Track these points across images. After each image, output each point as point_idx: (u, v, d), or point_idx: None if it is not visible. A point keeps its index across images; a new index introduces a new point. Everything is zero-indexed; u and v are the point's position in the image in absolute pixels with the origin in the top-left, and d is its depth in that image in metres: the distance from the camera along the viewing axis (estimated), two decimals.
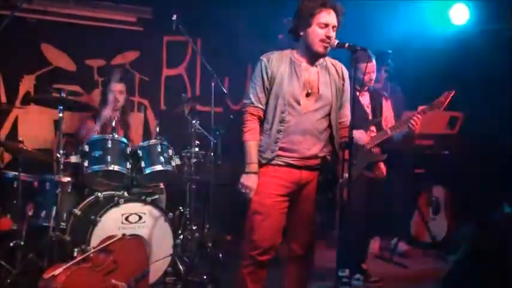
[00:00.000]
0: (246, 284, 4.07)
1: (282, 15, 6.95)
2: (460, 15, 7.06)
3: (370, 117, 5.40)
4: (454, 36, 7.16)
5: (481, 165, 7.11)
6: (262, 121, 4.09)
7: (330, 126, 4.08)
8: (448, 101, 5.25)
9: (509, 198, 6.21)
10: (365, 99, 5.42)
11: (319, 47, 3.97)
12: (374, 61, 5.33)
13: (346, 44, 4.10)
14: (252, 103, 4.07)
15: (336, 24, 3.98)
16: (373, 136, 5.33)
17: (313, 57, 4.06)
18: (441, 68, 6.89)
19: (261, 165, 4.02)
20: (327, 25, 3.94)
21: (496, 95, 6.89)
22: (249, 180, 3.98)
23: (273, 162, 4.01)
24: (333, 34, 3.96)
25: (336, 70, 4.16)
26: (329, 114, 4.07)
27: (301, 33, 4.04)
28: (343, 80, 4.17)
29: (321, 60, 4.10)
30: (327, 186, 4.07)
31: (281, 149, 3.99)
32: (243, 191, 4.01)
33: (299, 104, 3.99)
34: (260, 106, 4.06)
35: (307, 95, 4.03)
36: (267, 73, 4.03)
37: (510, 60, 6.81)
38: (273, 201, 3.99)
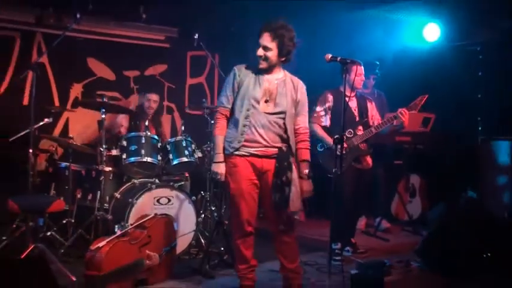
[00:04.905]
0: (241, 250, 4.15)
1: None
2: (433, 33, 7.04)
3: (357, 119, 5.40)
4: (428, 50, 7.14)
5: (449, 158, 7.10)
6: (229, 118, 4.16)
7: (285, 126, 4.12)
8: (422, 103, 5.29)
9: (472, 185, 6.24)
10: (353, 103, 5.40)
11: (259, 62, 4.11)
12: (362, 66, 5.32)
13: (338, 58, 4.15)
14: (222, 104, 4.16)
15: (269, 45, 4.04)
16: (360, 134, 5.33)
17: (261, 70, 4.14)
18: (417, 76, 6.88)
19: (230, 155, 4.07)
20: (258, 45, 4.07)
21: (462, 100, 6.87)
22: (219, 168, 4.08)
23: (239, 153, 4.05)
24: (262, 53, 4.06)
25: (293, 85, 4.22)
26: (284, 118, 4.12)
27: None
28: (298, 93, 4.21)
29: (282, 75, 4.18)
30: (282, 171, 4.06)
31: (246, 140, 4.04)
32: (215, 177, 4.12)
33: (259, 105, 4.06)
34: (228, 106, 4.14)
35: (266, 101, 4.09)
36: (235, 79, 4.12)
37: (474, 71, 6.81)
38: (246, 185, 4.06)
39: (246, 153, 4.05)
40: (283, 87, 4.14)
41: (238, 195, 4.06)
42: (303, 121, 4.24)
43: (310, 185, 4.16)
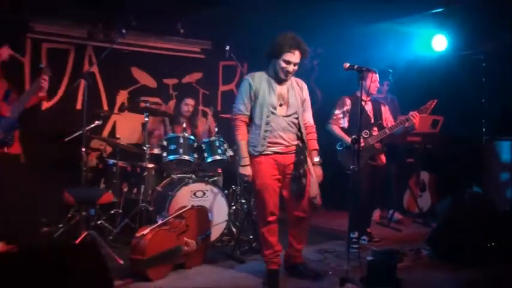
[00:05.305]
0: (266, 237, 4.17)
1: (314, 45, 6.99)
2: (441, 44, 6.96)
3: (372, 121, 5.38)
4: (436, 59, 7.06)
5: (456, 156, 7.01)
6: (248, 124, 4.17)
7: (298, 124, 4.20)
8: (431, 107, 5.25)
9: (476, 181, 6.17)
10: (368, 107, 5.37)
11: (282, 75, 4.11)
12: (377, 74, 5.31)
13: (355, 66, 4.16)
14: (241, 112, 4.13)
15: (298, 62, 4.09)
16: (375, 135, 5.31)
17: (278, 78, 4.15)
18: (426, 82, 6.80)
19: (255, 156, 4.09)
20: (289, 62, 4.06)
21: (468, 104, 6.79)
22: (247, 171, 4.08)
23: (264, 153, 4.09)
24: (292, 70, 4.09)
25: (298, 86, 4.28)
26: (297, 117, 4.20)
27: (272, 61, 4.14)
28: (303, 92, 4.29)
29: (288, 79, 4.21)
30: (299, 164, 4.13)
31: (269, 143, 4.09)
32: (243, 179, 4.14)
33: (276, 110, 4.10)
34: (247, 114, 4.14)
35: (280, 105, 4.13)
36: (251, 89, 4.12)
37: (478, 78, 6.72)
38: (270, 181, 4.09)
39: (270, 152, 4.10)
40: (292, 89, 4.21)
41: (263, 190, 4.09)
42: (309, 116, 4.36)
43: (321, 170, 4.29)
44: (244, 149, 4.10)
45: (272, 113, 4.09)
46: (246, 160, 4.09)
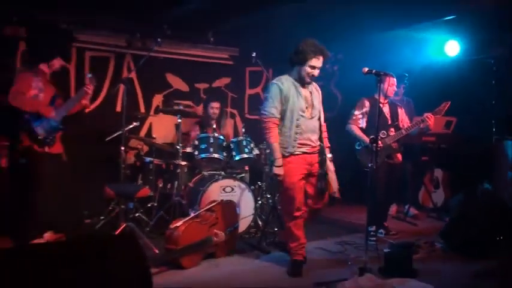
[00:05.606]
0: (293, 232, 4.13)
1: (335, 51, 6.93)
2: (453, 49, 6.86)
3: (389, 122, 5.30)
4: (449, 63, 6.96)
5: (468, 155, 6.89)
6: (279, 126, 4.10)
7: (320, 125, 4.20)
8: (445, 109, 5.14)
9: (487, 178, 6.05)
10: (386, 108, 5.30)
11: (307, 79, 4.10)
12: (395, 78, 5.24)
13: (374, 70, 4.09)
14: (274, 115, 4.04)
15: (321, 66, 4.08)
16: (392, 135, 5.23)
17: (302, 82, 4.12)
18: (440, 86, 6.68)
19: (285, 157, 4.03)
20: (314, 67, 4.04)
21: (479, 105, 6.65)
22: (280, 171, 4.00)
23: (294, 154, 4.04)
24: (317, 74, 4.08)
25: (316, 89, 4.25)
26: (319, 118, 4.19)
27: (296, 66, 4.10)
28: (320, 94, 4.27)
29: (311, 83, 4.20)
30: (322, 163, 4.15)
31: (298, 144, 4.05)
32: (276, 178, 4.04)
33: (304, 113, 4.06)
34: (278, 117, 4.06)
35: (306, 107, 4.10)
36: (282, 93, 4.05)
37: (489, 81, 6.58)
38: (298, 179, 4.05)
39: (299, 153, 4.07)
40: (313, 92, 4.19)
41: (292, 188, 4.04)
42: (323, 116, 4.31)
43: (333, 165, 4.28)
44: (278, 150, 4.03)
45: (301, 116, 4.06)
46: (280, 161, 4.02)
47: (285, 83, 4.09)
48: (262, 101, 4.21)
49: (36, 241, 4.36)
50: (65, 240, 4.06)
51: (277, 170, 4.01)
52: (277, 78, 4.15)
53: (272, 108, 4.05)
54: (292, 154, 4.05)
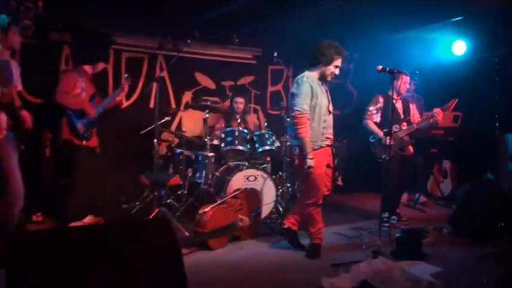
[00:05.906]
0: (314, 217, 4.11)
1: (350, 50, 6.84)
2: (460, 48, 6.74)
3: (402, 117, 5.23)
4: (456, 62, 6.84)
5: (473, 148, 6.79)
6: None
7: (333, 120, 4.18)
8: (453, 106, 5.07)
9: (490, 169, 5.97)
10: (398, 104, 5.23)
11: (330, 78, 4.11)
12: (408, 75, 5.17)
13: (387, 69, 4.04)
14: (306, 111, 3.96)
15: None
16: (404, 129, 5.17)
17: (323, 80, 4.11)
18: (448, 83, 6.57)
19: (314, 150, 3.97)
20: (337, 67, 4.05)
21: (483, 101, 6.52)
22: (313, 163, 3.93)
23: (322, 146, 4.02)
24: (338, 72, 4.11)
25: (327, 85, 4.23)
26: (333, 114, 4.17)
27: (320, 65, 4.06)
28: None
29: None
30: (334, 155, 4.21)
31: (325, 137, 4.03)
32: (309, 169, 3.93)
33: (328, 109, 4.06)
34: (309, 112, 3.98)
35: (327, 103, 4.08)
36: (312, 90, 3.99)
37: (493, 78, 6.44)
38: (323, 169, 4.05)
39: (325, 145, 4.05)
40: (327, 89, 4.17)
41: (319, 178, 4.02)
42: None
43: None
44: (310, 144, 3.95)
45: (326, 111, 4.06)
46: (312, 154, 3.95)
47: (312, 79, 4.05)
48: (293, 97, 4.06)
49: (77, 223, 4.44)
50: (103, 223, 4.12)
51: (310, 162, 3.93)
52: (306, 76, 4.05)
53: (305, 105, 3.96)
54: (320, 147, 4.02)
